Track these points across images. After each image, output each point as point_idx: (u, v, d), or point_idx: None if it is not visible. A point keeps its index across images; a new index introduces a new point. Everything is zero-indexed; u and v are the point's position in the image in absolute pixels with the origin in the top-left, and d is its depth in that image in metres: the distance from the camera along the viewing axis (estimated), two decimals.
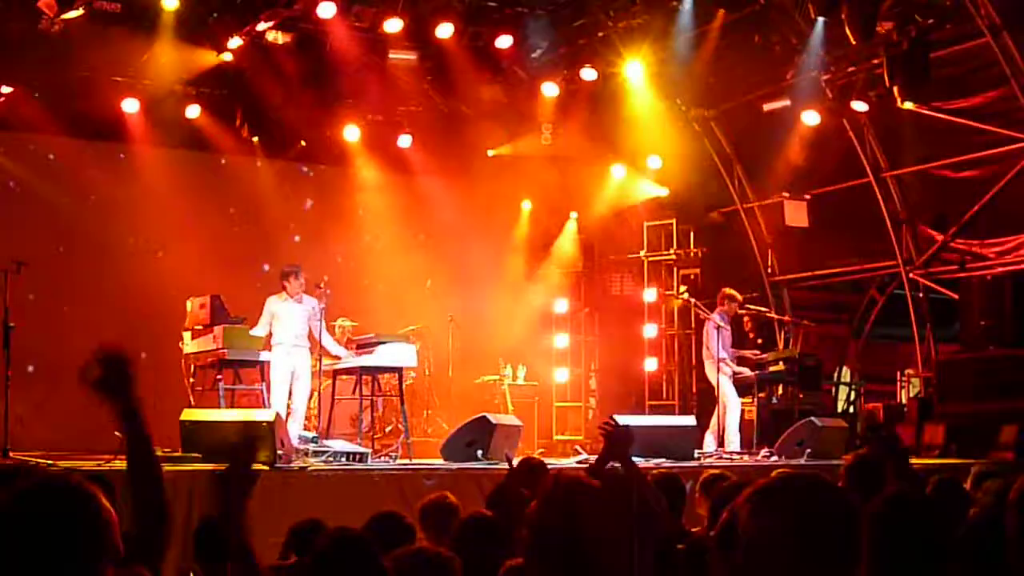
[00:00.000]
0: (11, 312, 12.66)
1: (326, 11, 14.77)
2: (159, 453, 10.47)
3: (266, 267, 17.13)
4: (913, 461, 14.41)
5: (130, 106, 16.16)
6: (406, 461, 13.08)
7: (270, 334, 13.98)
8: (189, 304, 14.54)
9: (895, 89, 15.12)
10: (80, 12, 13.64)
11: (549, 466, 7.89)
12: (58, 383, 15.13)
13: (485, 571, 4.89)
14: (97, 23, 14.27)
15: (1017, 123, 15.51)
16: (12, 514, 2.92)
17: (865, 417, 8.34)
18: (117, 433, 10.94)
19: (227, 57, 15.46)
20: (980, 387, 15.86)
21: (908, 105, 15.57)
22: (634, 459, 5.70)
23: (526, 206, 20.27)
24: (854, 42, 14.83)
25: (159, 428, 12.16)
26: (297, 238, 18.37)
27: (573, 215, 20.40)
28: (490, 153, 18.77)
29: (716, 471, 8.48)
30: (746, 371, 16.15)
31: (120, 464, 10.23)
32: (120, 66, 15.86)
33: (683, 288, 18.15)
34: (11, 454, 11.76)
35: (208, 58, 15.47)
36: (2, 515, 2.92)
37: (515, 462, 7.64)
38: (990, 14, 14.90)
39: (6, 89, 15.31)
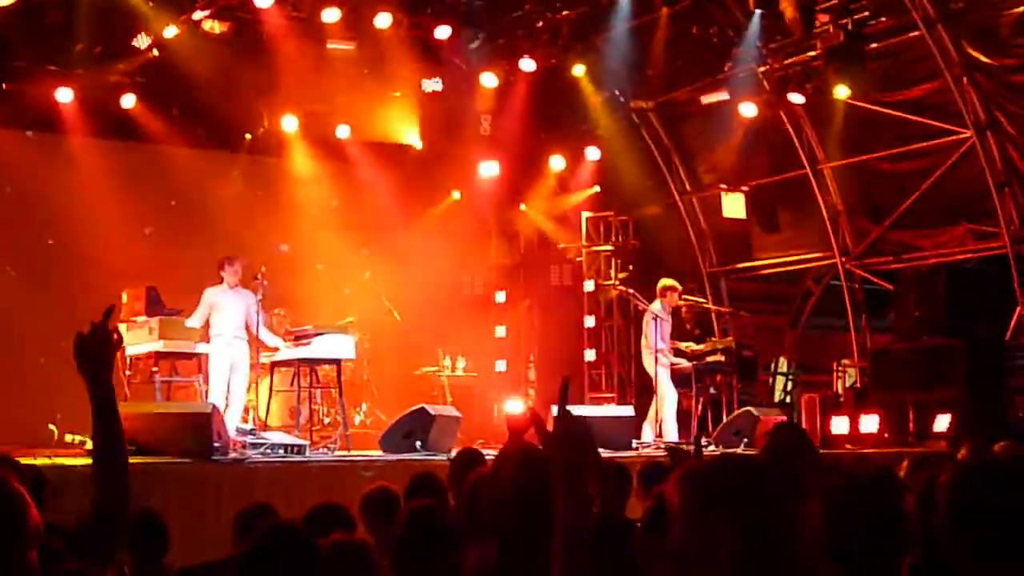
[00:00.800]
0: None
1: (263, 0, 14.67)
2: (89, 447, 10.39)
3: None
4: (848, 450, 14.61)
5: (64, 96, 15.96)
6: (345, 453, 13.04)
7: (207, 325, 13.88)
8: (124, 296, 14.40)
9: (831, 81, 15.26)
10: (12, 0, 13.47)
11: (487, 457, 7.88)
12: None
13: (434, 560, 4.88)
14: (30, 12, 14.09)
15: (952, 116, 15.69)
16: None
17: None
18: (51, 426, 10.82)
19: (156, 52, 15.31)
20: (914, 376, 16.02)
21: (844, 96, 15.72)
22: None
23: (459, 196, 20.24)
24: (792, 35, 14.93)
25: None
26: (233, 225, 18.29)
27: (514, 206, 20.38)
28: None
29: (654, 460, 8.51)
30: (683, 362, 16.22)
31: (51, 460, 10.15)
32: (54, 55, 15.67)
33: (621, 275, 18.16)
34: None
35: (143, 47, 15.30)
36: None
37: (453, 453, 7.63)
38: (925, 7, 15.07)
39: None
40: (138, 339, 13.80)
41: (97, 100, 16.30)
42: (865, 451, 14.83)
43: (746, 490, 2.93)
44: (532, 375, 20.79)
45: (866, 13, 15.07)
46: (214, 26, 15.39)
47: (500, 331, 20.67)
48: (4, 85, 15.47)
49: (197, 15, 14.88)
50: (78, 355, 3.77)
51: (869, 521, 3.80)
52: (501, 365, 20.39)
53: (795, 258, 18.65)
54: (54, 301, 15.85)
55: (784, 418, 14.45)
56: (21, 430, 13.42)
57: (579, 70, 17.46)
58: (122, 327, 14.17)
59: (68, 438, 12.13)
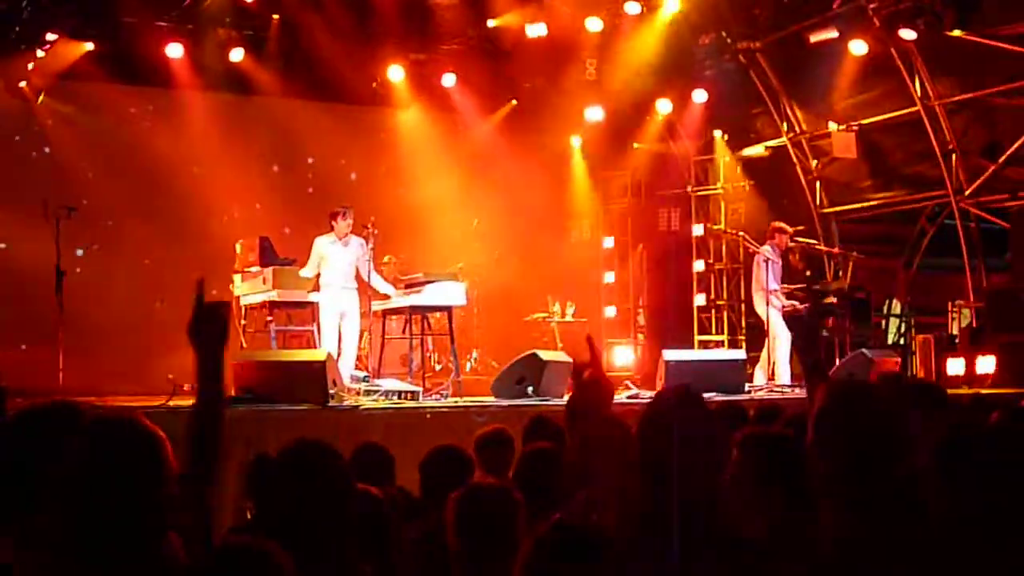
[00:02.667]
0: (62, 257, 12.76)
1: None
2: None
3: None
4: (964, 391, 14.40)
5: (174, 51, 16.18)
6: (457, 399, 13.14)
7: (318, 275, 14.04)
8: (239, 247, 14.63)
9: (944, 16, 14.93)
10: None
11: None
12: (108, 328, 15.33)
13: (548, 502, 4.92)
14: None
15: None
16: (81, 447, 3.08)
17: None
18: (169, 376, 11.00)
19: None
20: None
21: (957, 32, 15.37)
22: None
23: (575, 142, 20.20)
24: None
25: None
26: (353, 175, 18.49)
27: (622, 150, 20.30)
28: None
29: (768, 404, 8.47)
30: (796, 303, 16.09)
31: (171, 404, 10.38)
32: (163, 11, 15.89)
33: (738, 233, 18.02)
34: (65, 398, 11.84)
35: (251, 0, 15.45)
36: (74, 449, 3.08)
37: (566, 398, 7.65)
38: None
39: (51, 37, 15.36)
40: (253, 289, 14.02)
41: (206, 54, 16.52)
42: (982, 391, 14.60)
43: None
44: (641, 320, 20.76)
45: None
46: None
47: (609, 276, 20.65)
48: (116, 41, 15.73)
49: None
50: (195, 330, 3.88)
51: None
52: (610, 311, 20.39)
53: (908, 198, 18.35)
54: (169, 253, 16.17)
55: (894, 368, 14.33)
56: (141, 377, 13.74)
57: (685, 12, 17.29)
58: (236, 277, 14.43)
59: (187, 387, 12.34)
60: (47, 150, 16.52)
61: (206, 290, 4.00)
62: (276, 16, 16.38)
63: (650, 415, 4.10)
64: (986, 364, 15.84)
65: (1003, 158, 16.67)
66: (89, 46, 15.48)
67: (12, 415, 3.24)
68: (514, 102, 19.16)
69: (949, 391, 14.12)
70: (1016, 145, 16.42)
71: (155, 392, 11.76)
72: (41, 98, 16.13)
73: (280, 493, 4.03)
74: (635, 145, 20.22)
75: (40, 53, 15.51)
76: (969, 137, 17.24)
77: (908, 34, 15.91)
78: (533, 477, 5.51)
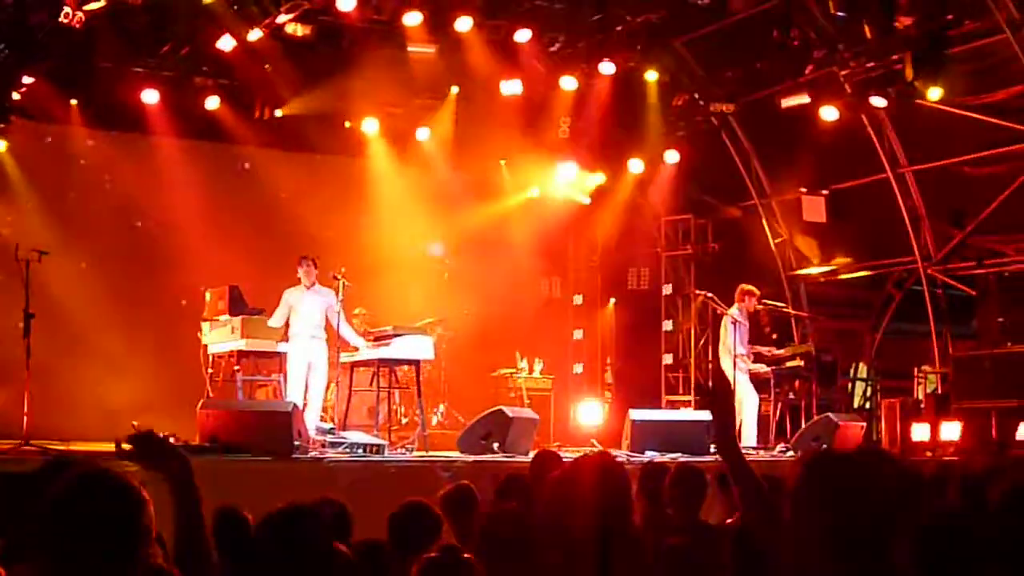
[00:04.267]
0: (32, 300, 12.69)
1: (346, 4, 14.79)
2: (174, 442, 10.55)
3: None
4: (929, 457, 14.45)
5: (150, 97, 16.20)
6: (423, 453, 13.12)
7: (287, 325, 14.02)
8: (208, 295, 14.61)
9: (914, 85, 15.10)
10: (102, 4, 13.68)
11: (564, 459, 7.91)
12: (76, 372, 15.25)
13: (510, 562, 4.92)
14: (118, 15, 14.30)
15: None
16: (68, 502, 3.16)
17: None
18: (135, 423, 10.97)
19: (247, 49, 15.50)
20: (997, 384, 15.81)
21: (932, 95, 15.52)
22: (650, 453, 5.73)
23: (545, 199, 20.27)
24: (872, 37, 14.80)
25: (178, 418, 12.29)
26: (324, 226, 18.49)
27: (592, 209, 20.38)
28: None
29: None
30: (762, 367, 16.16)
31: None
32: (140, 57, 15.92)
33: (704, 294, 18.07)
34: (31, 442, 11.77)
35: (228, 49, 15.48)
36: (60, 502, 3.15)
37: (530, 455, 7.68)
38: (1009, 9, 14.85)
39: (27, 80, 15.35)
40: (221, 337, 13.99)
41: (182, 101, 16.54)
42: (946, 459, 14.66)
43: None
44: (609, 378, 20.79)
45: (949, 16, 14.89)
46: (297, 29, 15.51)
47: (577, 334, 20.69)
48: (91, 86, 15.74)
49: (280, 18, 15.01)
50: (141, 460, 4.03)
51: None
52: (578, 368, 20.41)
53: (876, 263, 18.48)
54: (139, 300, 16.13)
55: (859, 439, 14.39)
56: (104, 426, 13.64)
57: (651, 76, 17.45)
58: (205, 325, 14.39)
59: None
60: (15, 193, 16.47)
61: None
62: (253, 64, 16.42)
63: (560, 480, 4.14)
64: (951, 430, 15.91)
65: (971, 227, 16.84)
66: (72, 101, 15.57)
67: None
68: (503, 161, 19.27)
69: (913, 458, 14.19)
70: (984, 214, 16.59)
71: (120, 439, 11.64)
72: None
73: (268, 559, 4.08)
74: (590, 208, 20.33)
75: (16, 96, 15.49)
76: (936, 204, 17.40)
77: (879, 101, 16.08)
78: (498, 537, 5.51)
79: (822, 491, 3.33)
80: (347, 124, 17.83)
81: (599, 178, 19.72)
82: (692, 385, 19.58)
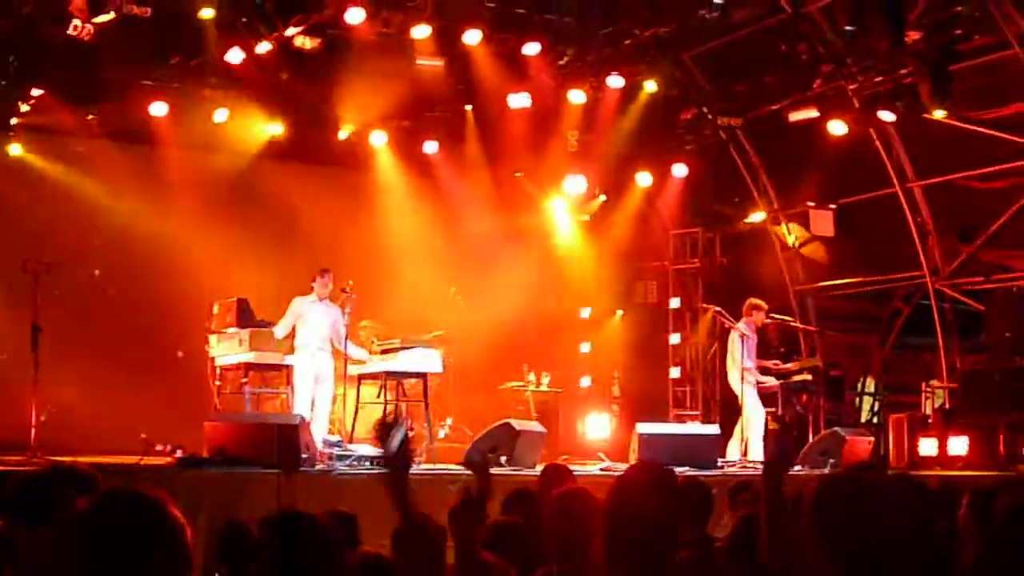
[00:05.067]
0: (40, 313, 12.71)
1: (354, 17, 14.81)
2: (179, 455, 10.55)
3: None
4: (936, 472, 14.41)
5: (158, 109, 16.23)
6: (430, 466, 13.09)
7: (292, 335, 14.01)
8: (216, 307, 14.61)
9: (923, 100, 15.11)
10: (111, 16, 13.70)
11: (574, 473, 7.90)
12: (84, 384, 15.24)
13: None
14: (127, 28, 14.32)
15: None
16: (97, 525, 2.92)
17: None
18: (143, 435, 10.92)
19: (256, 61, 15.52)
20: (1005, 398, 15.78)
21: (938, 114, 15.54)
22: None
23: (552, 212, 20.26)
24: (881, 51, 14.80)
25: (186, 431, 12.29)
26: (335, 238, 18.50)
27: (601, 222, 20.38)
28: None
29: (742, 479, 8.47)
30: (770, 380, 16.14)
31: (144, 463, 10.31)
32: (149, 70, 15.96)
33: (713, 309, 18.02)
34: (38, 456, 11.79)
35: (237, 62, 15.51)
36: (87, 524, 2.93)
37: (538, 468, 7.66)
38: (1018, 24, 14.86)
39: (36, 92, 15.39)
40: (229, 350, 14.00)
41: (191, 114, 16.57)
42: (953, 474, 14.63)
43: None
44: (616, 391, 20.75)
45: (959, 31, 14.90)
46: (305, 42, 15.53)
47: (585, 347, 20.66)
48: (100, 99, 15.79)
49: (290, 31, 15.04)
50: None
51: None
52: (586, 381, 20.39)
53: (884, 277, 18.47)
54: (146, 312, 16.14)
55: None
56: (112, 438, 13.65)
57: (667, 87, 17.46)
58: (212, 338, 14.39)
59: (159, 447, 12.30)
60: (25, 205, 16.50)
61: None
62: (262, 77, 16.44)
63: (617, 493, 4.10)
64: (959, 445, 15.89)
65: (979, 241, 16.83)
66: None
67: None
68: (519, 174, 19.27)
69: (921, 472, 14.17)
70: (992, 229, 16.58)
71: (127, 451, 11.70)
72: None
73: (264, 564, 4.02)
74: (614, 216, 20.31)
75: (24, 107, 15.53)
76: (945, 219, 17.40)
77: (887, 116, 16.07)
78: (499, 549, 5.49)
79: (835, 513, 3.29)
80: (342, 134, 17.75)
81: (601, 198, 19.74)
82: (701, 398, 19.58)
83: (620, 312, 20.73)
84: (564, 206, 19.92)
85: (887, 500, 3.30)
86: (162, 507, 2.96)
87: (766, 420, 15.79)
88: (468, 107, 17.89)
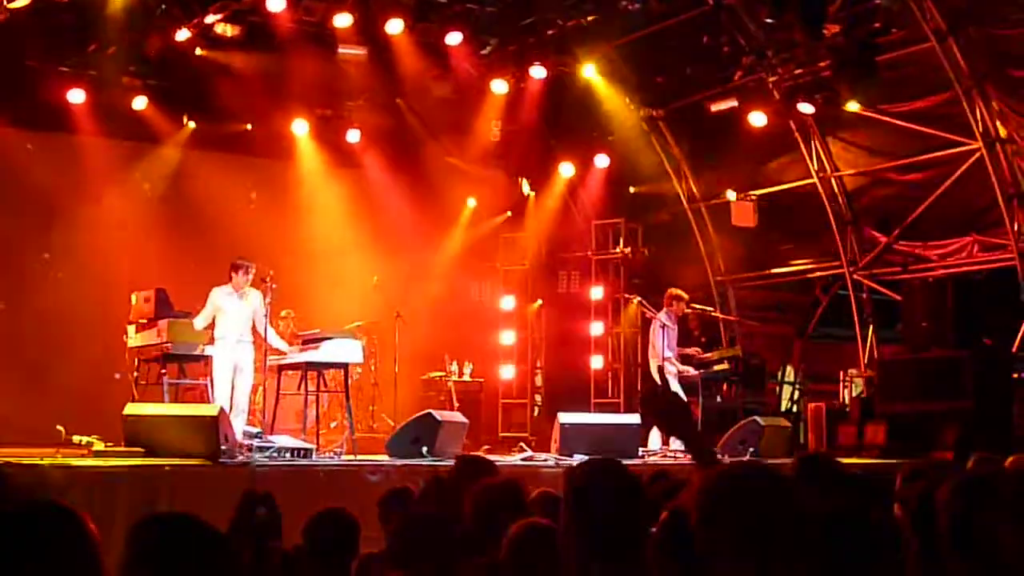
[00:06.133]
0: None
1: (276, 5, 14.70)
2: (102, 447, 10.40)
3: None
4: (853, 460, 14.58)
5: (76, 96, 16.02)
6: (351, 457, 13.04)
7: (212, 326, 13.89)
8: (134, 298, 14.43)
9: (841, 92, 15.28)
10: (27, 1, 13.49)
11: (496, 463, 7.89)
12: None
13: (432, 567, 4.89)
14: (44, 13, 14.12)
15: (961, 127, 15.68)
16: (6, 539, 2.79)
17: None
18: (59, 427, 10.77)
19: (175, 49, 15.36)
20: (922, 387, 15.98)
21: (855, 110, 15.73)
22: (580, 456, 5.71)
23: (472, 202, 20.26)
24: (800, 44, 14.93)
25: (104, 421, 12.12)
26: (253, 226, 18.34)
27: (523, 212, 20.43)
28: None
29: (658, 468, 8.52)
30: (690, 370, 16.24)
31: (59, 460, 10.17)
32: (67, 56, 15.74)
33: (635, 299, 18.11)
34: None
35: (156, 49, 15.34)
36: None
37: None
38: (936, 19, 15.05)
39: None
40: (146, 340, 13.83)
41: (109, 101, 16.36)
42: (869, 461, 14.82)
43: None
44: (539, 381, 20.81)
45: (877, 25, 15.07)
46: (226, 29, 15.39)
47: (507, 337, 20.69)
48: (17, 85, 15.55)
49: (210, 19, 14.90)
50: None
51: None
52: (508, 371, 20.42)
53: (803, 267, 18.65)
54: (63, 301, 15.93)
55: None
56: (28, 430, 13.47)
57: (589, 70, 17.48)
58: (130, 328, 14.22)
59: (75, 439, 12.15)
60: None
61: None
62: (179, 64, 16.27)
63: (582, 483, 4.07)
64: (876, 434, 16.07)
65: (896, 232, 17.04)
66: None
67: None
68: (450, 159, 19.20)
69: (840, 460, 14.29)
70: (908, 220, 16.80)
71: (44, 444, 11.56)
72: None
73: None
74: (520, 211, 20.39)
75: None
76: (862, 210, 17.61)
77: (806, 108, 16.23)
78: (413, 541, 5.45)
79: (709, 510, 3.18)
80: (262, 123, 17.65)
81: (525, 188, 19.80)
82: (623, 388, 19.66)
83: (539, 302, 20.76)
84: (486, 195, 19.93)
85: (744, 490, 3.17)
86: (77, 520, 2.87)
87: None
88: (394, 98, 17.83)
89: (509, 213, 20.43)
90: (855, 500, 4.22)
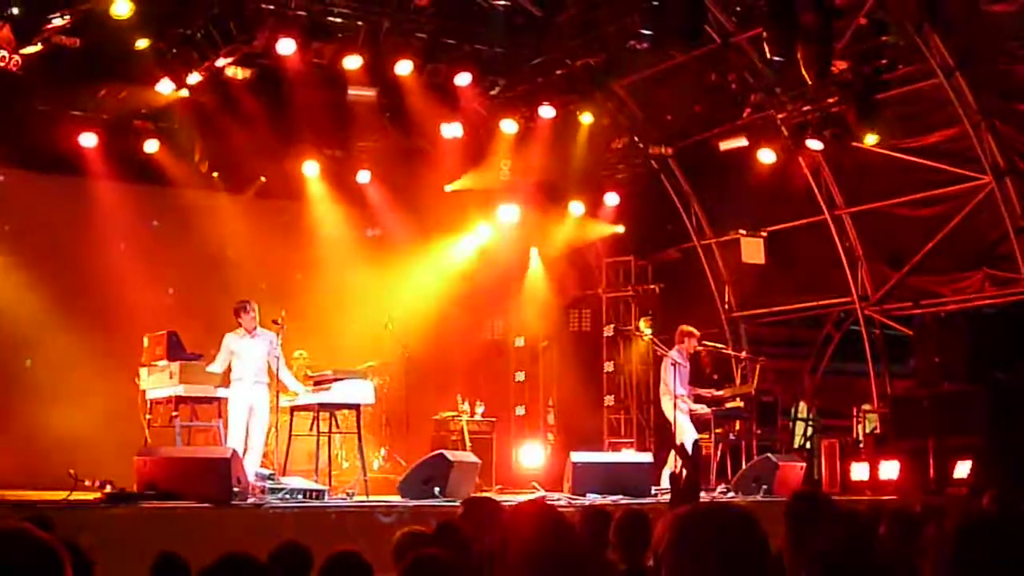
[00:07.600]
0: None
1: (286, 48, 14.78)
2: (108, 491, 10.39)
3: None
4: (868, 497, 14.53)
5: (88, 140, 16.10)
6: (363, 498, 13.03)
7: (228, 369, 13.91)
8: (146, 340, 14.46)
9: (851, 128, 15.30)
10: (39, 48, 13.58)
11: (506, 504, 7.87)
12: (11, 418, 15.06)
13: None
14: (56, 58, 14.20)
15: (970, 162, 15.69)
16: None
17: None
18: (71, 471, 10.80)
19: (185, 92, 15.42)
20: (935, 423, 15.93)
21: (870, 144, 15.72)
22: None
23: (487, 241, 20.25)
24: (809, 82, 14.96)
25: (116, 465, 12.13)
26: (266, 269, 18.39)
27: (532, 251, 20.44)
28: (448, 189, 18.82)
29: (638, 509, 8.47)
30: (703, 407, 16.21)
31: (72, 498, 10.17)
32: (78, 101, 15.83)
33: (647, 329, 18.13)
34: None
35: (167, 93, 15.41)
36: None
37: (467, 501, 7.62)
38: (943, 55, 15.10)
39: None
40: (159, 383, 13.85)
41: (120, 145, 16.44)
42: (884, 498, 14.76)
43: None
44: (551, 419, 20.77)
45: (884, 61, 15.11)
46: (237, 72, 15.48)
47: (519, 376, 20.67)
48: (28, 129, 15.63)
49: (220, 62, 14.97)
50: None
51: None
52: (520, 410, 20.39)
53: (814, 303, 18.63)
54: (76, 346, 15.95)
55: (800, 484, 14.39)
56: (40, 473, 13.49)
57: (587, 119, 17.51)
58: (143, 371, 14.25)
59: (87, 482, 12.14)
60: None
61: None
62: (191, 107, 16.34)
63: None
64: (890, 470, 16.02)
65: (907, 267, 17.02)
66: None
67: None
68: (449, 187, 19.23)
69: (852, 497, 14.27)
70: (919, 255, 16.78)
71: (56, 487, 11.57)
72: None
73: None
74: (531, 251, 20.41)
75: None
76: (873, 246, 17.60)
77: (815, 144, 16.25)
78: None
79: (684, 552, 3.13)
80: (286, 170, 17.75)
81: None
82: (635, 427, 19.62)
83: (544, 343, 20.72)
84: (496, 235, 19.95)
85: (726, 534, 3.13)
86: (45, 545, 2.81)
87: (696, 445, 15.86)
88: (404, 138, 17.89)
89: (534, 251, 20.39)
90: (845, 537, 4.21)
